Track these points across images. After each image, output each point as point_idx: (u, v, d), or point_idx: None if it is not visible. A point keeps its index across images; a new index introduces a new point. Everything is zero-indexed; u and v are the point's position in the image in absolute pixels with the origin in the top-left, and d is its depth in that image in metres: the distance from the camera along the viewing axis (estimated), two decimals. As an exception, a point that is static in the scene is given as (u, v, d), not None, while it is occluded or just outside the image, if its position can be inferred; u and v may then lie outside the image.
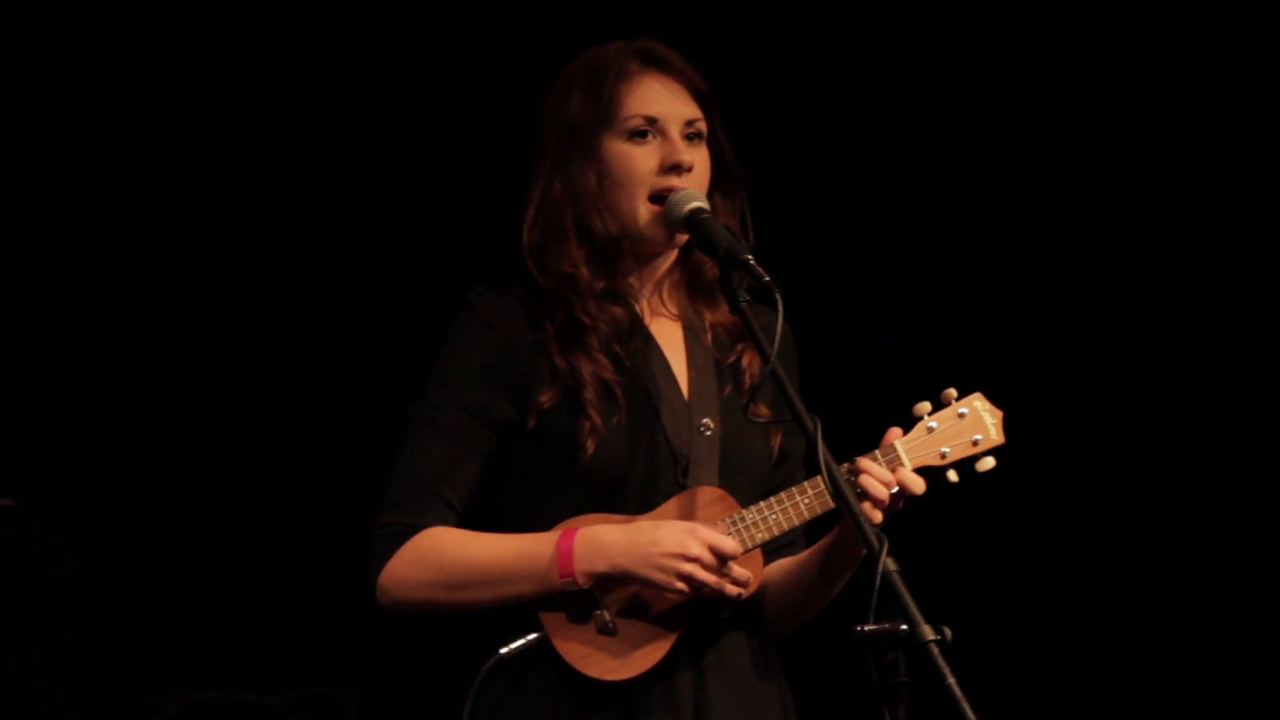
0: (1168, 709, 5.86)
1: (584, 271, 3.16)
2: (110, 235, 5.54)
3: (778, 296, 2.93)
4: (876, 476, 3.06)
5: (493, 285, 3.20)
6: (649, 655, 3.04)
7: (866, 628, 2.71)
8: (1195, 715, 5.80)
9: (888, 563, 2.72)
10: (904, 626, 2.69)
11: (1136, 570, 5.88)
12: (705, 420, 3.15)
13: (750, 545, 3.06)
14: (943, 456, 3.13)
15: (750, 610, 3.16)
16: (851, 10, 5.46)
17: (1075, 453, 5.90)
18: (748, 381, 3.21)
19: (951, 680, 2.63)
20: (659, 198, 3.15)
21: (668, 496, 3.10)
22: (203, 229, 5.59)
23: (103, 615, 5.49)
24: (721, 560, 3.01)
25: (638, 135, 3.17)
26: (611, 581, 3.04)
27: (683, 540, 3.00)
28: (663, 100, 3.18)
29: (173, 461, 5.60)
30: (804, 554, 3.19)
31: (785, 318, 2.96)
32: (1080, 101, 5.72)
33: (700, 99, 3.21)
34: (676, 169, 3.15)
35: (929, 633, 2.67)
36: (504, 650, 3.07)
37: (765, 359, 2.95)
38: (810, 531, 3.17)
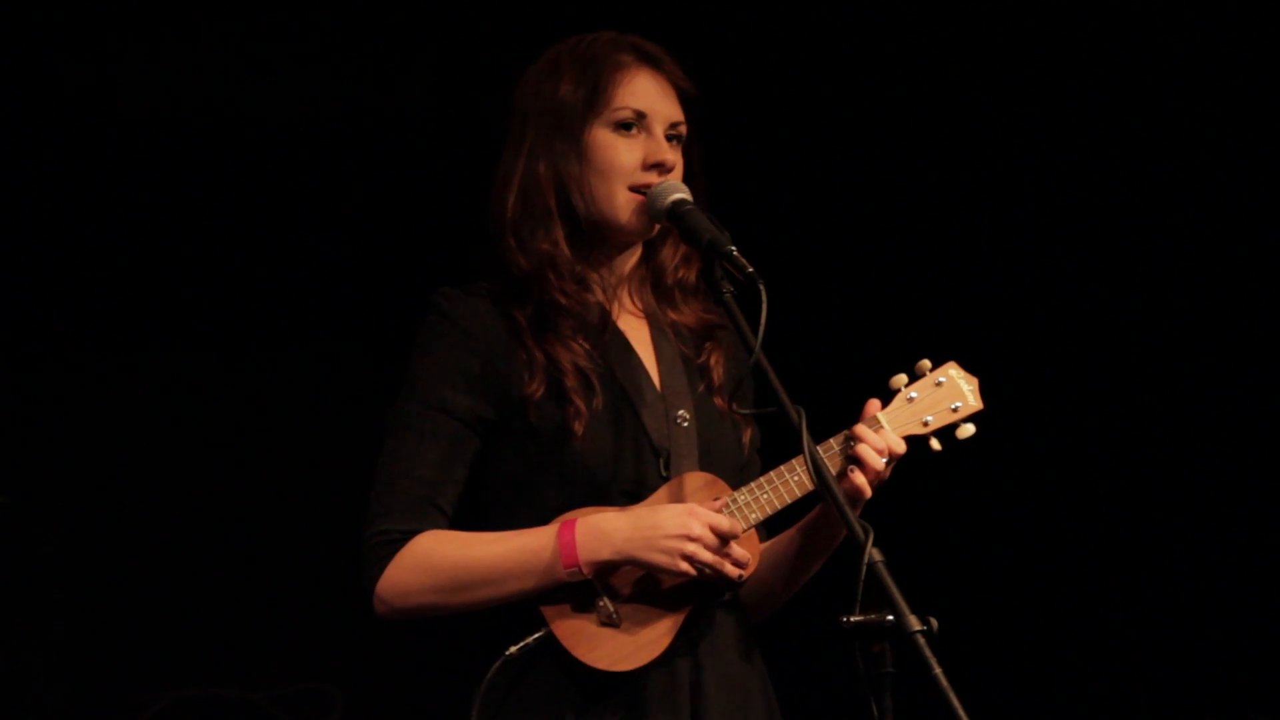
0: (1156, 699, 5.86)
1: (565, 250, 3.15)
2: (89, 235, 5.53)
3: (761, 288, 2.93)
4: (872, 444, 3.06)
5: (459, 286, 3.19)
6: (652, 646, 3.04)
7: (852, 619, 2.70)
8: (1185, 706, 5.80)
9: (873, 553, 2.71)
10: (890, 617, 2.68)
11: (1123, 559, 5.88)
12: (681, 412, 3.16)
13: (746, 526, 3.06)
14: (925, 425, 3.14)
15: (736, 599, 3.16)
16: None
17: (1055, 441, 5.91)
18: (716, 381, 3.21)
19: (938, 671, 2.63)
20: (638, 190, 3.15)
21: (651, 489, 3.10)
22: (181, 229, 5.58)
23: (90, 612, 5.47)
24: (722, 540, 3.02)
25: (624, 127, 3.17)
26: (613, 569, 3.04)
27: (684, 521, 3.00)
28: (653, 97, 3.19)
29: (160, 459, 5.58)
30: (782, 536, 3.20)
31: (747, 314, 2.96)
32: (1042, 86, 5.74)
33: (685, 103, 3.22)
34: (659, 167, 3.16)
35: (915, 623, 2.66)
36: (511, 649, 3.05)
37: (750, 350, 2.94)
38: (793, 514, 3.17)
